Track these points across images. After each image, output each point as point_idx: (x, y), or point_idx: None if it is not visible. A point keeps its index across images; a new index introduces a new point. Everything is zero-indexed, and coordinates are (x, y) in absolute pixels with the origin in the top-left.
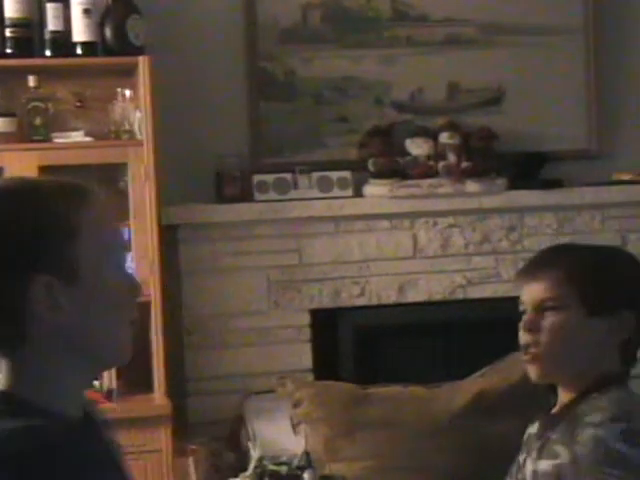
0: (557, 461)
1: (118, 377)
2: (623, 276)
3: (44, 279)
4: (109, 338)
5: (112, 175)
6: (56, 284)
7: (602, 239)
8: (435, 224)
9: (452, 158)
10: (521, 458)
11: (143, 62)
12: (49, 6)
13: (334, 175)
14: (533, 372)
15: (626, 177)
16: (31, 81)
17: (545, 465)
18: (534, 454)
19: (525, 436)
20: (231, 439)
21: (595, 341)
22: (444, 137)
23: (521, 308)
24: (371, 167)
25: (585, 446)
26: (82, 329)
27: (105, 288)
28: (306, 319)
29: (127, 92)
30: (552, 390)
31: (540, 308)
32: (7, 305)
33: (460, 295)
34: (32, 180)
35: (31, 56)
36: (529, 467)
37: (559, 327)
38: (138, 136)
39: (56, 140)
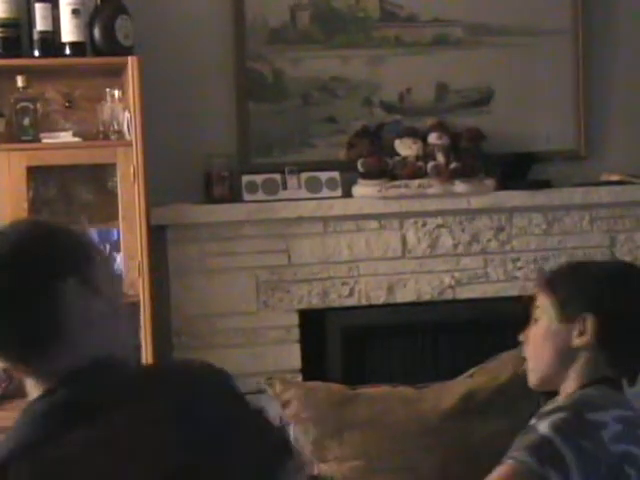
0: None
1: None
2: (585, 280)
3: (75, 278)
4: (128, 345)
5: (101, 175)
6: (84, 285)
7: (591, 240)
8: (424, 224)
9: (441, 158)
10: None
11: (132, 62)
12: (37, 6)
13: (323, 175)
14: (529, 381)
15: (614, 178)
16: (19, 81)
17: None
18: None
19: None
20: None
21: (567, 346)
22: (433, 137)
23: None
24: (360, 167)
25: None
26: (108, 328)
27: (120, 304)
28: (295, 319)
29: (116, 92)
30: (545, 393)
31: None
32: (44, 300)
33: (449, 295)
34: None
35: (19, 56)
36: None
37: (534, 336)
38: (127, 136)
39: (45, 140)
